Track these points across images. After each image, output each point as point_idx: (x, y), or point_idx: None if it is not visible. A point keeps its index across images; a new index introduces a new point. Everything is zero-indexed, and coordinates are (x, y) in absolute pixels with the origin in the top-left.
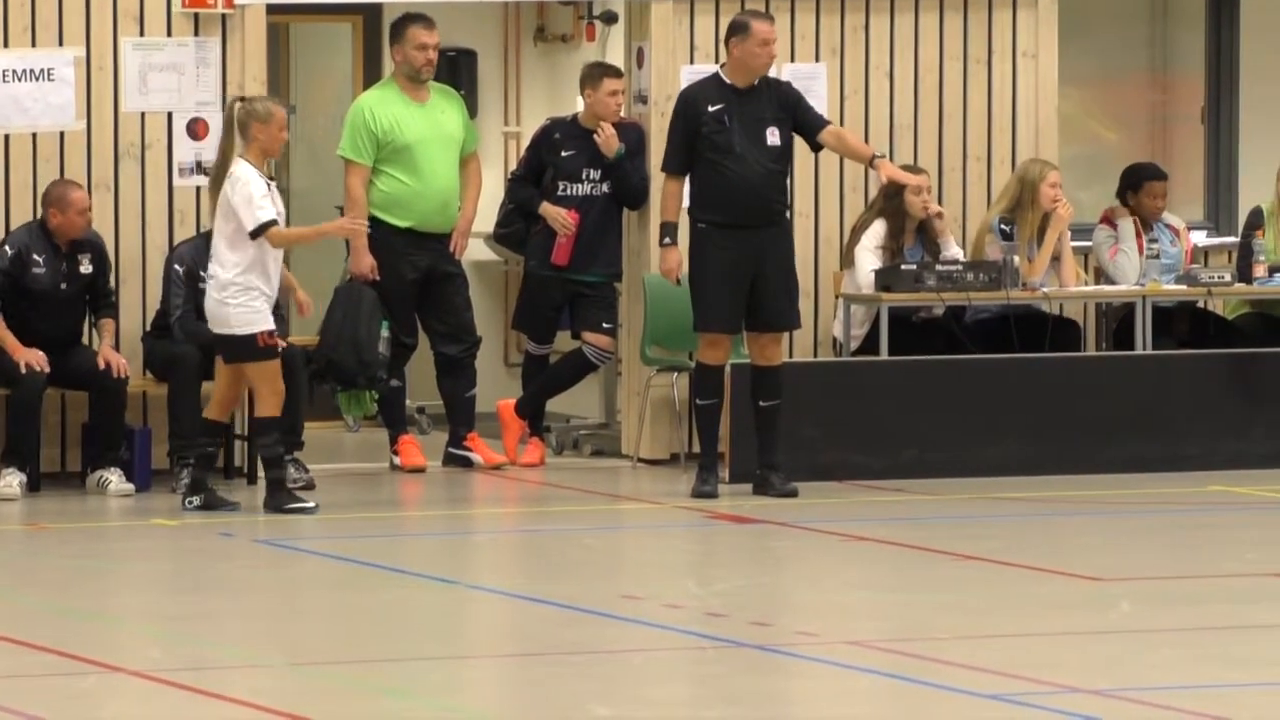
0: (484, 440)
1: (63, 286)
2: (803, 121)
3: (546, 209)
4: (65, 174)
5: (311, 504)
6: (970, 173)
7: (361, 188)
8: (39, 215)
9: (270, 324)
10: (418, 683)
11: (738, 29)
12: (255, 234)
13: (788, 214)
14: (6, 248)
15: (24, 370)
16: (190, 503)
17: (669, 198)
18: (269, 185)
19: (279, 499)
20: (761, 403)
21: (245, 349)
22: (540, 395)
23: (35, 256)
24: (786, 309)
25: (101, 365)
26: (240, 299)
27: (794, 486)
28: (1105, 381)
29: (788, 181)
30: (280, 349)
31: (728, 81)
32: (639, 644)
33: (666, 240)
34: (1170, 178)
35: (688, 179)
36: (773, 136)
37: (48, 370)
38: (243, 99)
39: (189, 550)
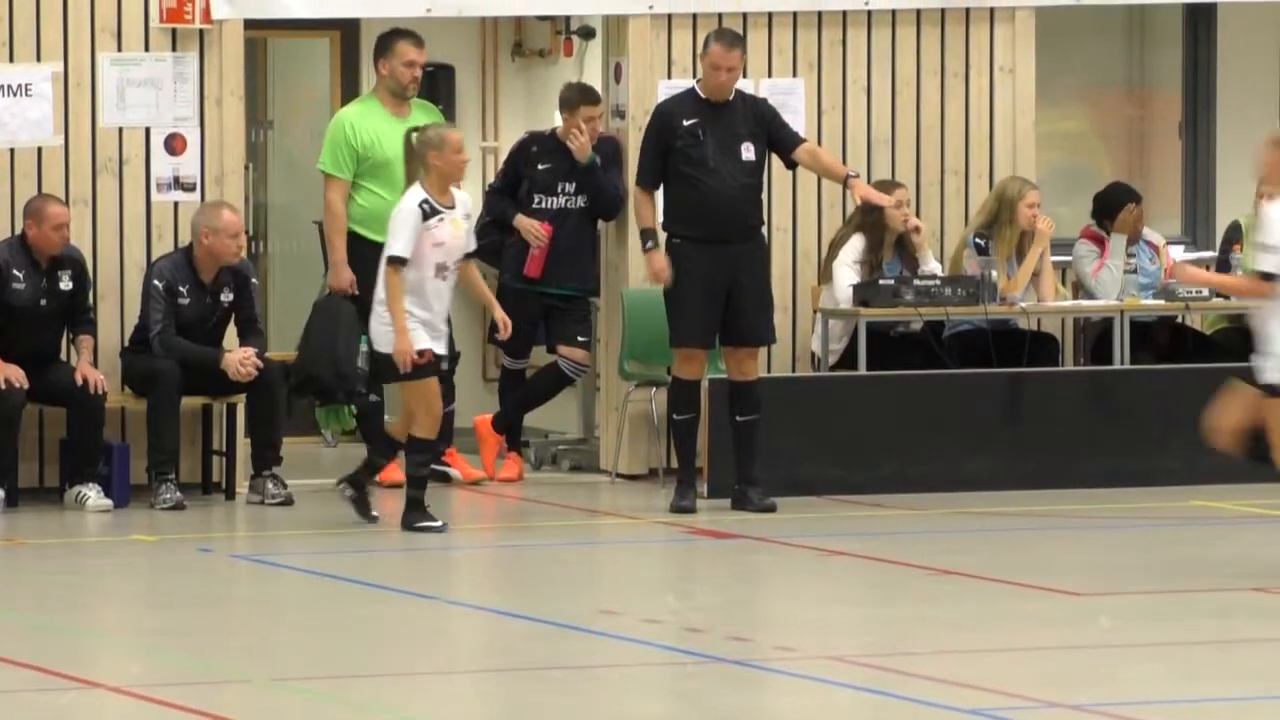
0: (462, 456)
1: (42, 303)
2: (777, 138)
3: (521, 221)
4: (43, 189)
5: (439, 523)
6: (948, 187)
7: (341, 202)
8: (18, 230)
9: (424, 344)
10: (396, 698)
11: (704, 45)
12: (389, 262)
13: (763, 229)
14: None
15: (2, 386)
16: (344, 491)
17: (642, 207)
18: (440, 214)
19: (412, 518)
20: (739, 417)
21: (392, 368)
22: (517, 410)
23: (15, 272)
24: (762, 324)
25: (79, 381)
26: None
27: (772, 501)
28: (1084, 396)
29: (763, 196)
30: (436, 367)
31: (702, 96)
32: (617, 659)
33: (650, 245)
34: (1148, 193)
35: (661, 194)
36: (747, 152)
37: (26, 386)
38: (416, 129)
39: (167, 566)
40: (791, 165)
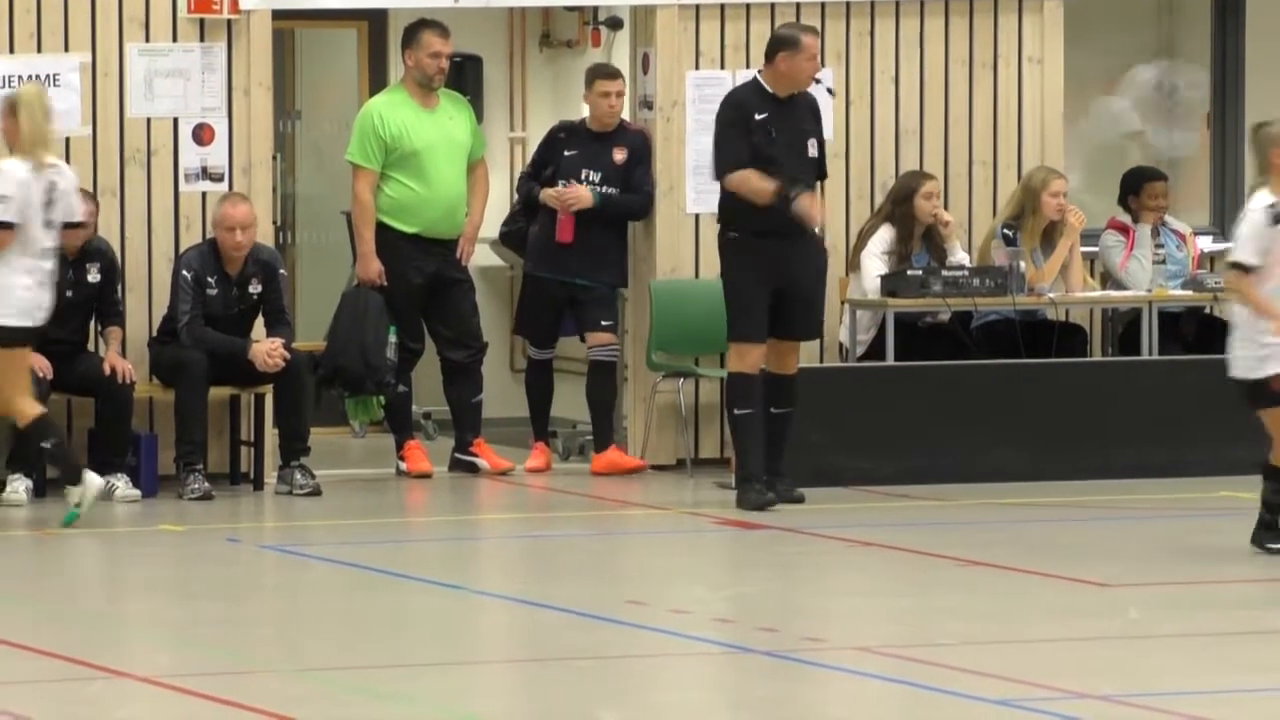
0: (490, 446)
1: (69, 294)
2: (819, 141)
3: (546, 193)
4: None
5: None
6: (976, 178)
7: (369, 193)
8: None
9: None
10: (424, 688)
11: (788, 43)
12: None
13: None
14: None
15: (124, 371)
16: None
17: (748, 180)
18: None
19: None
20: (774, 409)
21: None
22: (603, 418)
23: None
24: (811, 320)
25: (107, 371)
26: None
27: (800, 493)
28: (1112, 387)
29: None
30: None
31: (769, 90)
32: (646, 649)
33: (792, 192)
34: (1175, 182)
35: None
36: (813, 149)
37: (50, 377)
38: (1263, 125)
39: (195, 556)
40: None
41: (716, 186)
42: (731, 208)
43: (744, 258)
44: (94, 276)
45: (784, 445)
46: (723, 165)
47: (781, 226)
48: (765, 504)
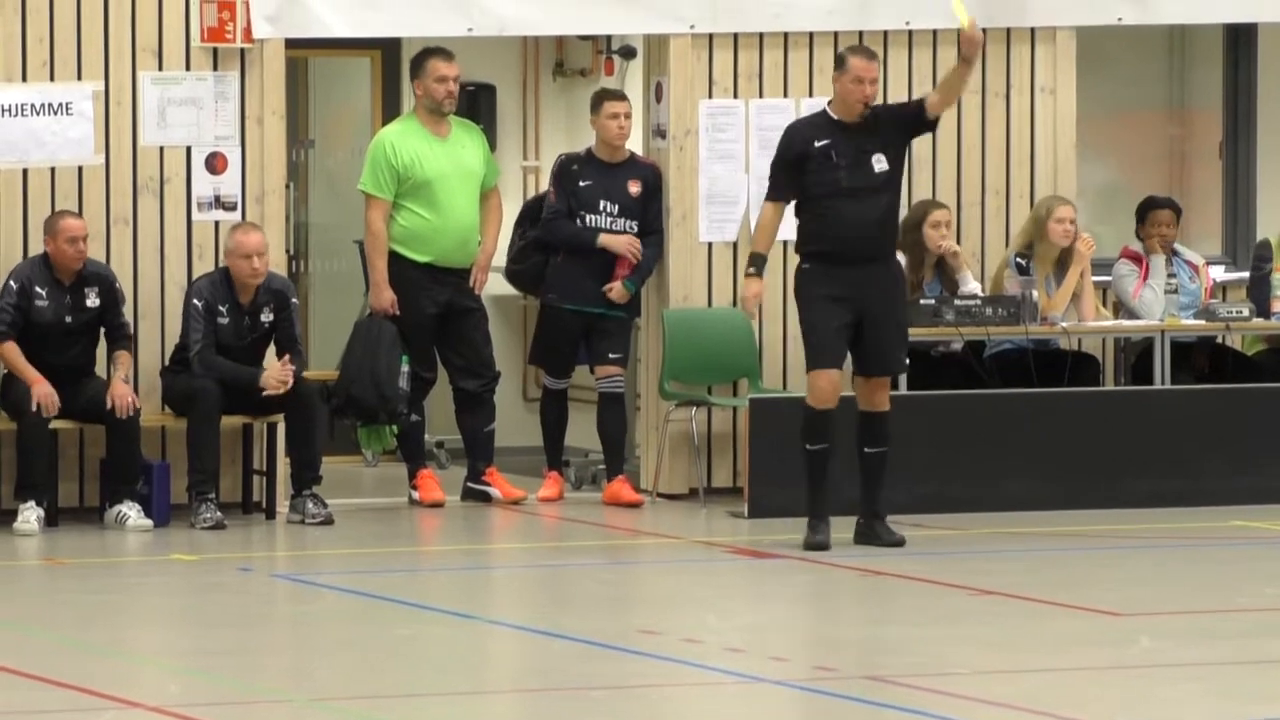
0: (502, 475)
1: (67, 320)
2: (905, 116)
3: (609, 239)
4: (84, 209)
5: None
6: (989, 207)
7: (382, 222)
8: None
9: None
10: (435, 718)
11: (837, 63)
12: None
13: (894, 253)
14: (11, 281)
15: (33, 405)
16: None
17: (765, 227)
18: None
19: None
20: (867, 449)
21: None
22: (613, 450)
23: (38, 290)
24: (890, 353)
25: (109, 404)
26: None
27: (901, 536)
28: (1124, 417)
29: (897, 217)
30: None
31: (834, 117)
32: (658, 679)
33: (751, 270)
34: (1187, 212)
35: (791, 214)
36: (879, 163)
37: (53, 412)
38: None
39: (207, 585)
40: (934, 122)
41: (728, 215)
42: (803, 236)
43: (811, 288)
44: (93, 301)
45: (878, 486)
46: (768, 191)
47: (851, 252)
48: (814, 545)
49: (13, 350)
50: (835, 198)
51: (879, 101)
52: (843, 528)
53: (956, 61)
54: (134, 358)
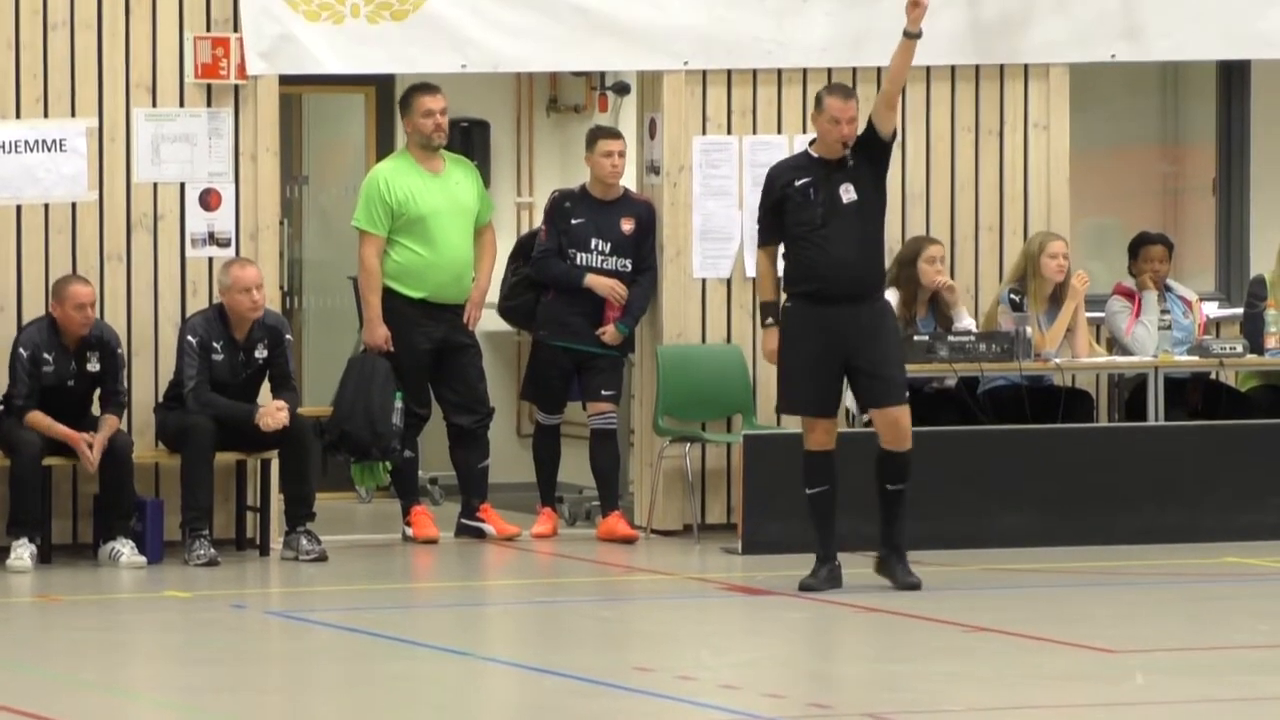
0: (496, 511)
1: (70, 383)
2: (866, 142)
3: (595, 280)
4: (77, 245)
5: None
6: (982, 243)
7: (375, 259)
8: (52, 283)
9: None
10: None
11: (815, 103)
12: None
13: (879, 289)
14: (21, 349)
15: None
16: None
17: (763, 275)
18: None
19: None
20: (887, 486)
21: None
22: (607, 486)
23: (45, 355)
24: (886, 382)
25: (85, 460)
26: None
27: (918, 579)
28: (1118, 453)
29: (880, 253)
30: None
31: (815, 156)
32: (652, 716)
33: (769, 321)
34: (1181, 248)
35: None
36: (847, 193)
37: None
38: None
39: (201, 622)
40: (890, 133)
41: (722, 251)
42: (787, 275)
43: (793, 326)
44: (93, 366)
45: (897, 524)
46: (758, 237)
47: (832, 290)
48: (804, 586)
49: (41, 418)
50: (813, 236)
51: None
52: (848, 564)
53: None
54: (128, 403)
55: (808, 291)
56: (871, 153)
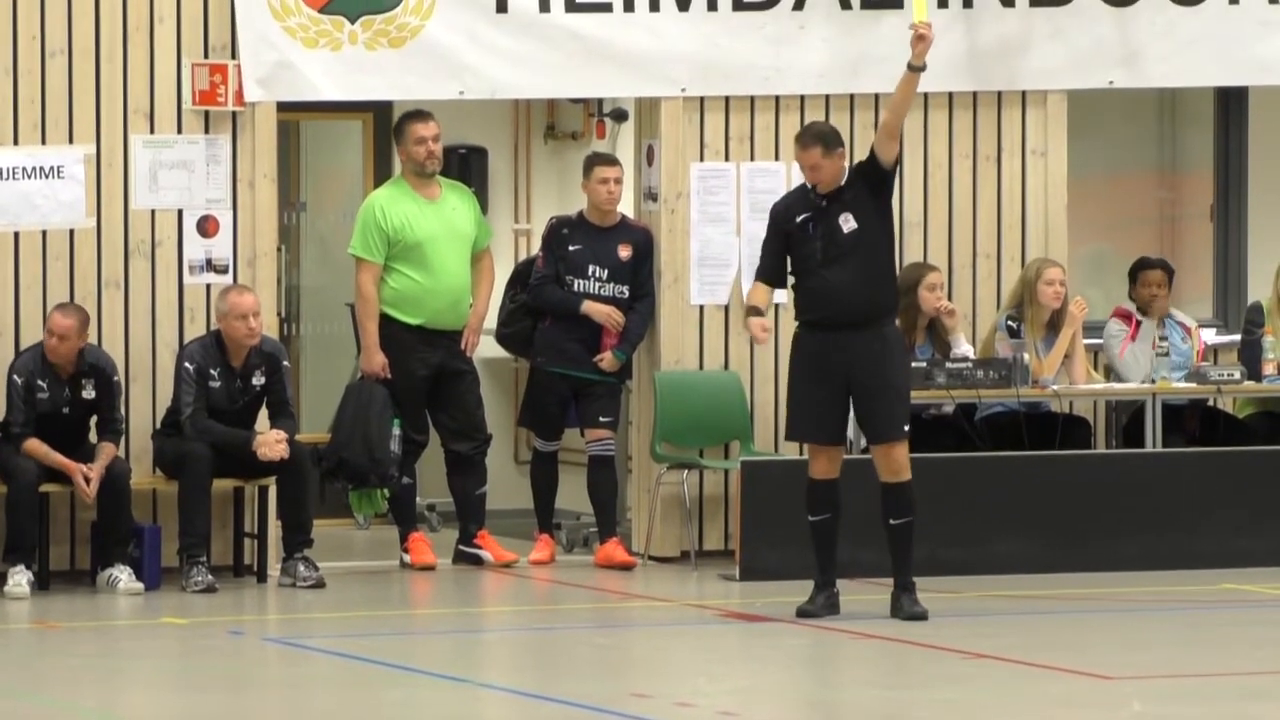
0: (494, 538)
1: (65, 411)
2: (865, 172)
3: (592, 307)
4: (75, 271)
5: None
6: (980, 270)
7: (372, 285)
8: (49, 308)
9: None
10: None
11: (795, 140)
12: None
13: (886, 318)
14: (16, 376)
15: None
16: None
17: (755, 291)
18: None
19: None
20: (891, 520)
21: None
22: (605, 513)
23: (39, 383)
24: (887, 418)
25: (83, 492)
26: None
27: (923, 609)
28: (1115, 479)
29: (888, 280)
30: None
31: (810, 189)
32: None
33: (752, 314)
34: (1178, 275)
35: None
36: (847, 223)
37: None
38: None
39: (199, 649)
40: (891, 162)
41: (720, 277)
42: (796, 306)
43: (797, 354)
44: (89, 393)
45: (902, 557)
46: (757, 269)
47: (836, 320)
48: (802, 613)
49: (38, 446)
50: (816, 271)
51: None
52: (847, 591)
53: (906, 70)
54: (125, 429)
55: (812, 320)
56: (872, 181)
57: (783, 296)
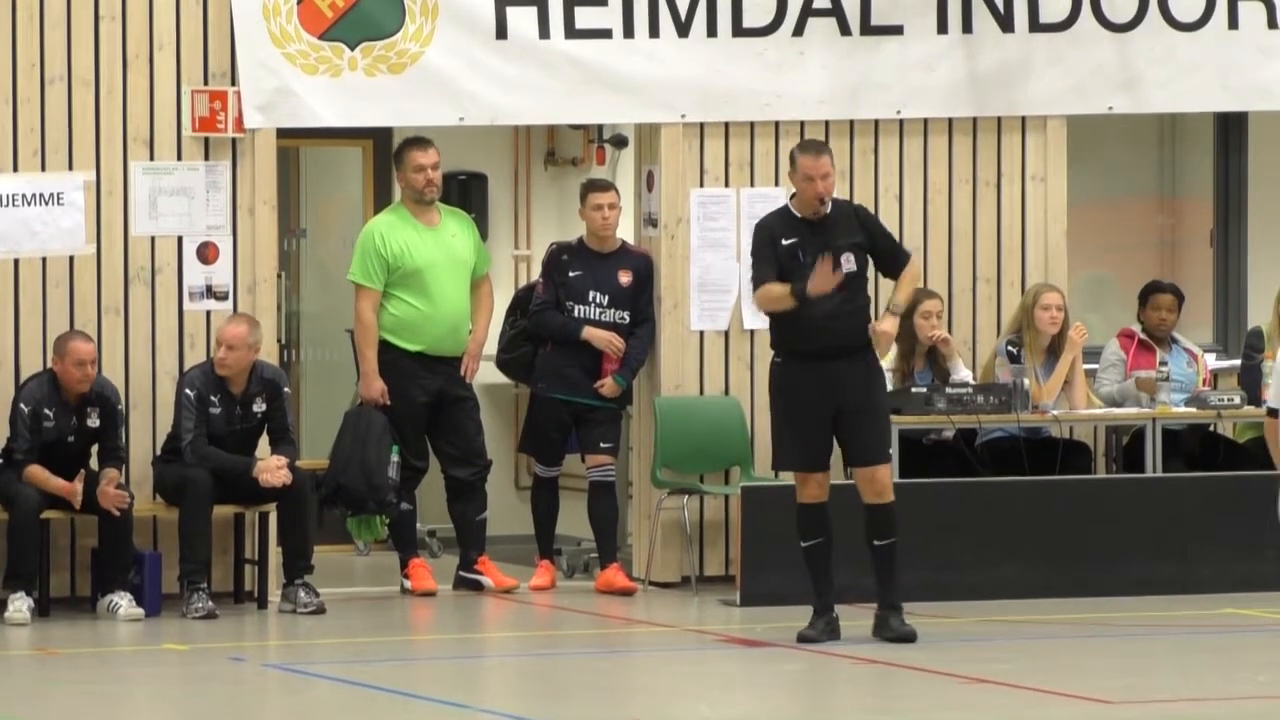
0: (495, 563)
1: (70, 439)
2: (883, 250)
3: (592, 333)
4: (75, 298)
5: None
6: (980, 295)
7: (372, 312)
8: (51, 337)
9: None
10: None
11: (790, 161)
12: None
13: (869, 344)
14: (23, 404)
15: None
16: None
17: (769, 291)
18: None
19: None
20: (875, 542)
21: None
22: (605, 538)
23: (46, 411)
24: (872, 441)
25: (106, 505)
26: None
27: (912, 629)
28: (1116, 504)
29: (866, 311)
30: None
31: (796, 214)
32: None
33: (796, 288)
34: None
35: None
36: (848, 264)
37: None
38: None
39: (199, 675)
40: (892, 277)
41: (720, 303)
42: (777, 333)
43: (784, 381)
44: (93, 422)
45: (887, 579)
46: (753, 289)
47: (823, 349)
48: (802, 638)
49: (38, 471)
50: (806, 300)
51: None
52: (846, 617)
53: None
54: (125, 456)
55: (803, 351)
56: (875, 258)
57: (760, 323)
